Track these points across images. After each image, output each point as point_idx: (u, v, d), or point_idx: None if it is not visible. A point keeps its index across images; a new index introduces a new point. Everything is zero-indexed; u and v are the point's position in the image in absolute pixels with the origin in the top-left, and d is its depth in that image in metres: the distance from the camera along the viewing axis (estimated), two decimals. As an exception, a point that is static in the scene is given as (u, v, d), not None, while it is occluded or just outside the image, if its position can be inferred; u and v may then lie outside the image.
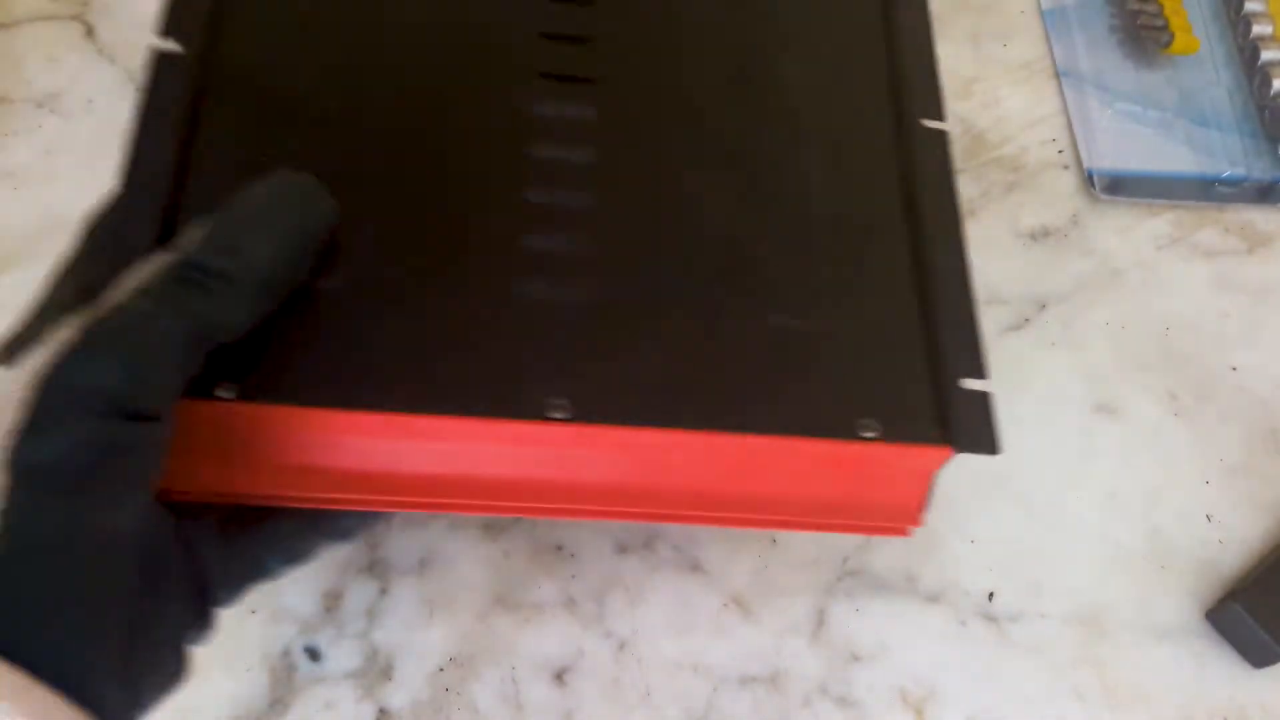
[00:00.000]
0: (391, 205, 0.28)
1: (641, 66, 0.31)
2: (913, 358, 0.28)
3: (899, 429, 0.26)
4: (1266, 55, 0.45)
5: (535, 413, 0.25)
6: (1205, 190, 0.44)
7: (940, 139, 0.31)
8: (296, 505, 0.26)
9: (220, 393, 0.24)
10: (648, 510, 0.27)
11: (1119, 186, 0.43)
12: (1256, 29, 0.46)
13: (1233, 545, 0.36)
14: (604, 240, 0.28)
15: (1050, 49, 0.47)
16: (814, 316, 0.28)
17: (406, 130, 0.29)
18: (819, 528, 0.29)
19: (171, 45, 0.28)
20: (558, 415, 0.25)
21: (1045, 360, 0.40)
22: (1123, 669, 0.34)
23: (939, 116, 0.32)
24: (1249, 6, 0.47)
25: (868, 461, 0.27)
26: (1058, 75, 0.46)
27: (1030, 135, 0.45)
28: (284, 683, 0.33)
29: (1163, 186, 0.44)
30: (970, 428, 0.27)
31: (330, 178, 0.26)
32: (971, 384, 0.27)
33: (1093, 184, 0.43)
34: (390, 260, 0.27)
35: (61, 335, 0.22)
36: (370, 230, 0.27)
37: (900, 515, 0.28)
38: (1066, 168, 0.44)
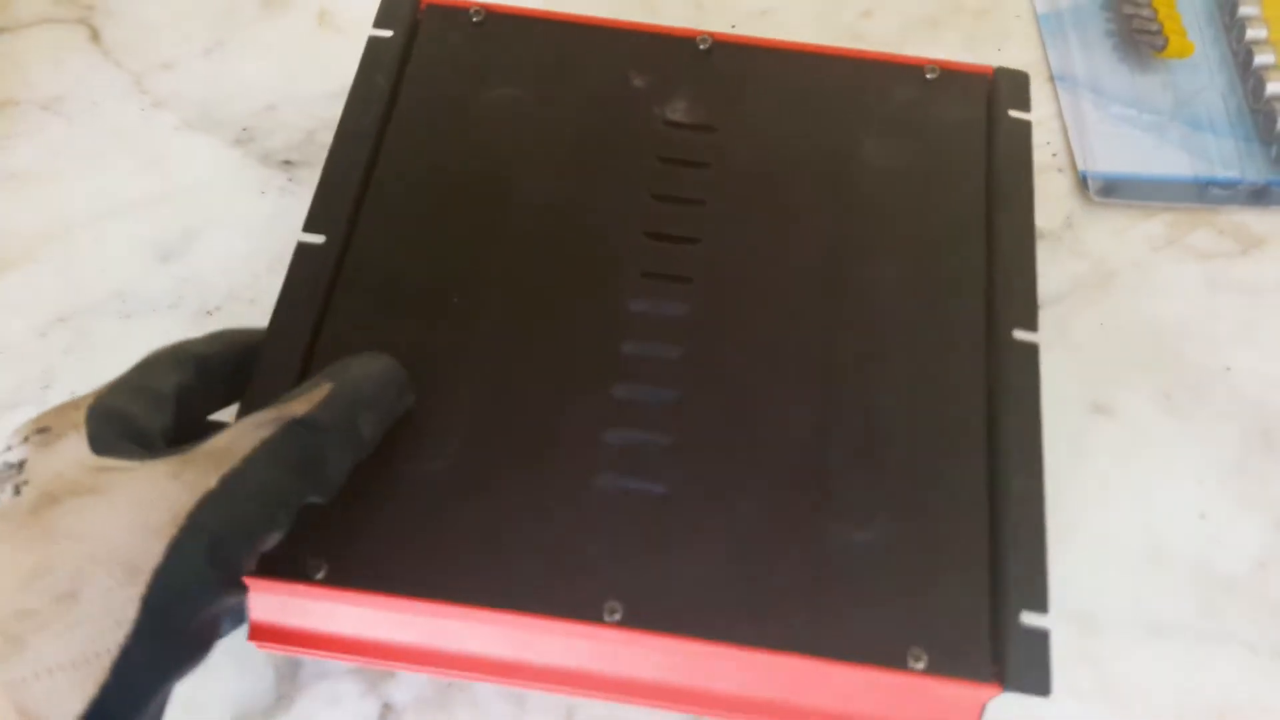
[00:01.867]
0: (488, 395, 0.29)
1: (739, 268, 0.32)
2: (974, 583, 0.27)
3: (949, 661, 0.26)
4: (1260, 59, 0.46)
5: (591, 615, 0.26)
6: (1199, 193, 0.44)
7: (1030, 352, 0.31)
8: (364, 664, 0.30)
9: (315, 575, 0.26)
10: (694, 709, 0.28)
11: (1113, 189, 0.44)
12: (1250, 33, 0.47)
13: (1227, 544, 0.37)
14: (680, 439, 0.29)
15: (1045, 53, 0.48)
16: (878, 529, 0.28)
17: (513, 324, 0.31)
18: None
19: (314, 238, 0.31)
20: (611, 619, 0.26)
21: (1041, 361, 0.40)
22: (1119, 667, 0.34)
23: (1032, 327, 0.31)
24: (1243, 11, 0.47)
25: (914, 691, 0.27)
26: (1053, 79, 0.47)
27: (1026, 138, 0.46)
28: (289, 679, 0.33)
29: (1157, 189, 0.44)
30: (1023, 667, 0.26)
31: (434, 362, 0.29)
32: (1030, 619, 0.27)
33: (1087, 187, 0.44)
34: (479, 448, 0.29)
35: (199, 478, 0.23)
36: (465, 418, 0.29)
37: None
38: (1061, 171, 0.45)
